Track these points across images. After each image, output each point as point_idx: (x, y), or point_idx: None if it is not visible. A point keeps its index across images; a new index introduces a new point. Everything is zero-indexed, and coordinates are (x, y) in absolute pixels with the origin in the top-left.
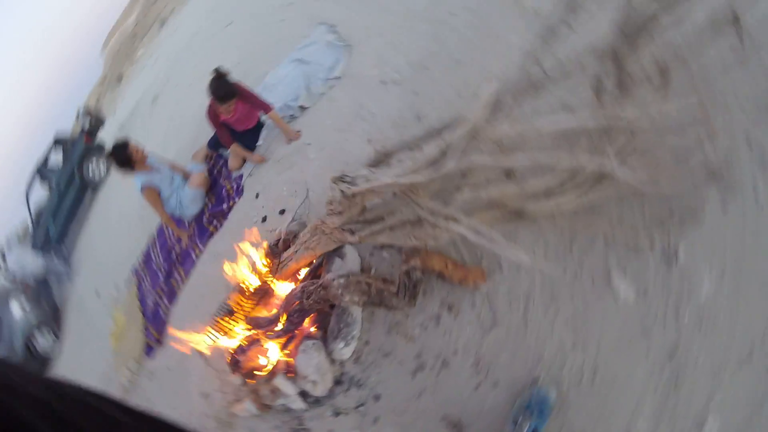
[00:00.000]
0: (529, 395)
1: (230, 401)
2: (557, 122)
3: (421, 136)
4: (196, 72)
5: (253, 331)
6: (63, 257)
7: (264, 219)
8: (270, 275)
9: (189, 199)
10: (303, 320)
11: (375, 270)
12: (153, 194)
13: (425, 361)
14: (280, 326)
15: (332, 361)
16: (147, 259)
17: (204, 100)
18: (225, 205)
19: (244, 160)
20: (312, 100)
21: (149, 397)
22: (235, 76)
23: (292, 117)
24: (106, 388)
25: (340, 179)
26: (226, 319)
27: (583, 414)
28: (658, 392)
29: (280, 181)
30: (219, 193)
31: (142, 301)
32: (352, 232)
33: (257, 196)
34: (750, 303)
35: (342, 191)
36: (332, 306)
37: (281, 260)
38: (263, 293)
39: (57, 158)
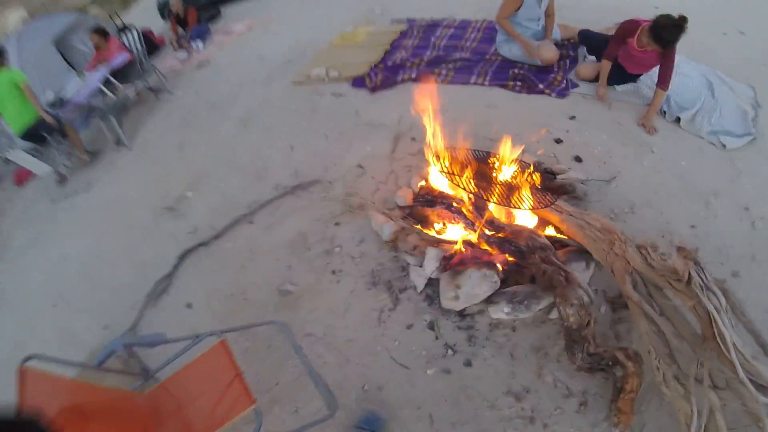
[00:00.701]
0: None
1: (381, 205)
2: None
3: None
4: None
5: (466, 208)
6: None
7: (558, 141)
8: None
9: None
10: (504, 255)
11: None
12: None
13: (523, 397)
14: (488, 233)
15: (480, 303)
16: (432, 27)
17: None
18: (536, 86)
19: (592, 79)
20: (686, 127)
21: (317, 106)
22: None
23: None
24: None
25: (698, 275)
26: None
27: None
28: None
29: (597, 141)
30: (545, 72)
31: (393, 47)
32: (645, 295)
33: (571, 117)
34: None
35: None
36: (533, 280)
37: (548, 201)
38: (509, 193)
39: None
